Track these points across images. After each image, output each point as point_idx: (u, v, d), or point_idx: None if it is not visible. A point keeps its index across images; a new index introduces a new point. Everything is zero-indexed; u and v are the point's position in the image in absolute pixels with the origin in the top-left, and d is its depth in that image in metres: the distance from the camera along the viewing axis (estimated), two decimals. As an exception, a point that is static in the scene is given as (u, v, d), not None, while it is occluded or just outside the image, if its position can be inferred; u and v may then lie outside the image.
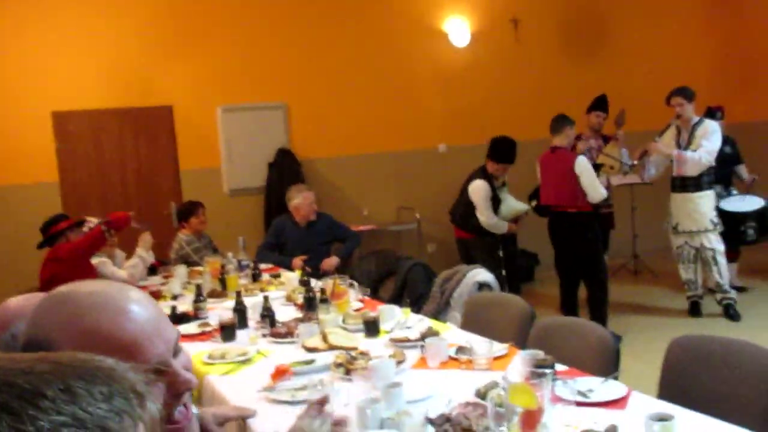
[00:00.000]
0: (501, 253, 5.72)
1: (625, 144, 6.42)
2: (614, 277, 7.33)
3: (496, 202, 5.62)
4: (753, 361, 2.31)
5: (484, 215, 5.50)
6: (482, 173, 5.61)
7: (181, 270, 4.86)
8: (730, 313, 5.80)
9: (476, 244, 5.69)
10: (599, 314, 5.44)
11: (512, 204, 5.87)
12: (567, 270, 5.60)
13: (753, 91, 8.62)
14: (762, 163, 6.71)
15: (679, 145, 5.80)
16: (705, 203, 5.78)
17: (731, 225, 5.99)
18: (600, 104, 6.61)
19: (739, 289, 6.52)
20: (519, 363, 2.48)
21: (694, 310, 5.98)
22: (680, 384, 2.48)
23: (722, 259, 5.82)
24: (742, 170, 6.59)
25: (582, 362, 2.59)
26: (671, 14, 8.68)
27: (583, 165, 5.37)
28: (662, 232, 6.55)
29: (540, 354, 2.42)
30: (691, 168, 5.67)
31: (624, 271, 7.57)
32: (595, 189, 5.35)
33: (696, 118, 5.79)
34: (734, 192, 6.49)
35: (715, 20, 8.95)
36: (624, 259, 7.63)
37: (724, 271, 5.83)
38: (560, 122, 5.56)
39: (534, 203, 6.29)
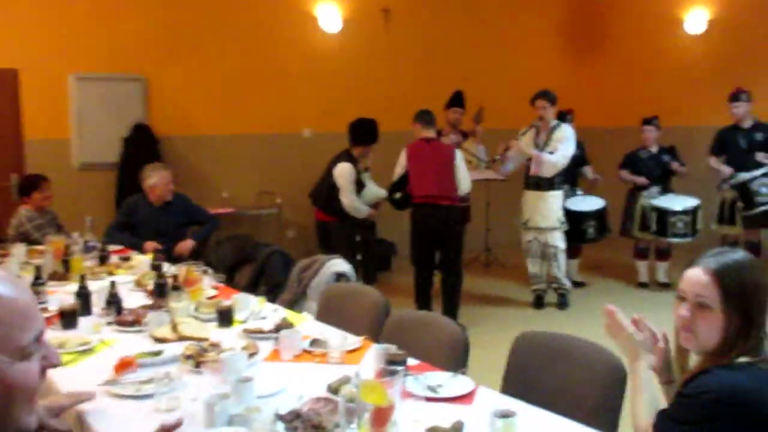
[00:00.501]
0: (358, 238, 5.77)
1: (482, 141, 6.65)
2: (466, 269, 7.57)
3: (359, 186, 5.64)
4: (587, 357, 2.46)
5: (348, 198, 5.48)
6: (347, 156, 5.61)
7: (19, 249, 4.52)
8: (562, 302, 6.28)
9: (336, 227, 5.68)
10: (454, 304, 5.62)
11: (373, 189, 5.92)
12: (427, 262, 5.68)
13: (602, 98, 9.20)
14: (604, 166, 7.15)
15: (536, 146, 6.09)
16: (554, 202, 6.12)
17: (574, 223, 6.36)
18: (457, 100, 6.80)
19: (579, 284, 6.98)
20: (372, 358, 2.51)
21: (538, 302, 6.33)
22: (523, 379, 2.59)
23: (562, 256, 6.22)
24: (588, 171, 7.02)
25: (433, 356, 2.66)
26: (534, 17, 9.08)
27: (460, 157, 5.55)
28: (513, 227, 6.86)
29: (393, 348, 2.44)
30: (547, 169, 5.98)
31: (476, 263, 7.87)
32: (467, 181, 5.58)
33: (554, 122, 6.11)
34: (579, 192, 6.89)
35: (575, 28, 9.45)
36: (476, 252, 7.92)
37: (563, 267, 6.24)
38: (431, 115, 5.67)
39: (398, 195, 6.34)
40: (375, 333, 3.01)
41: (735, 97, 6.46)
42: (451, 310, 5.58)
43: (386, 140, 6.42)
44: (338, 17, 7.54)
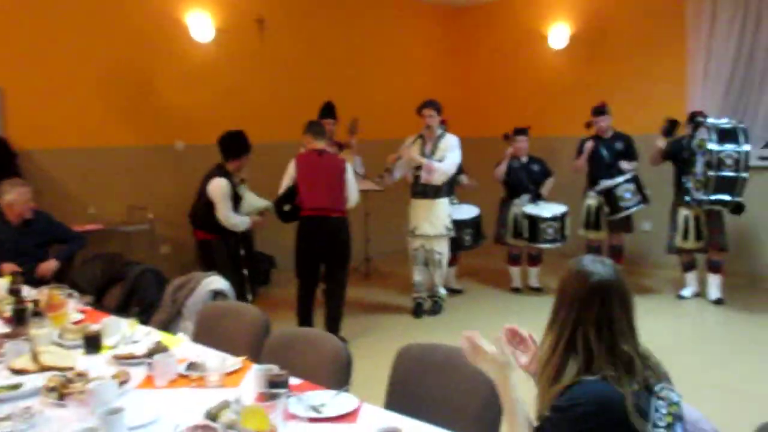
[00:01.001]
0: (243, 252, 5.63)
1: (359, 152, 6.66)
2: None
3: (237, 200, 5.49)
4: (468, 366, 2.48)
5: (223, 213, 5.31)
6: (220, 171, 5.44)
7: None
8: (435, 308, 6.42)
9: (218, 245, 5.52)
10: (337, 317, 5.56)
11: (253, 200, 5.80)
12: (312, 275, 5.60)
13: (473, 109, 9.49)
14: (476, 175, 7.35)
15: (424, 155, 6.17)
16: (442, 210, 6.23)
17: (453, 231, 6.49)
18: (329, 111, 6.77)
19: (457, 291, 7.13)
20: (253, 379, 2.42)
21: (418, 310, 6.40)
22: (407, 392, 2.59)
23: (446, 263, 6.34)
24: (464, 178, 7.19)
25: (316, 374, 2.61)
26: (407, 30, 9.24)
27: (350, 170, 5.51)
28: (392, 236, 6.91)
29: (274, 369, 2.37)
30: (438, 177, 6.08)
31: (356, 274, 7.87)
32: (356, 194, 5.56)
33: (440, 131, 6.22)
34: (454, 201, 7.04)
35: (446, 41, 9.70)
36: (356, 263, 7.92)
37: (444, 274, 6.39)
38: (322, 126, 5.61)
39: (287, 207, 6.20)
40: (255, 352, 2.92)
41: (599, 111, 6.83)
42: (334, 323, 5.54)
43: (261, 151, 6.33)
44: (210, 26, 7.34)
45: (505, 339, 2.11)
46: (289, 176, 5.52)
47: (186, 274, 4.20)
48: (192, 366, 2.59)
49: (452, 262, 7.02)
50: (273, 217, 5.90)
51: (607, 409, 1.72)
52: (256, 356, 2.86)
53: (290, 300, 5.74)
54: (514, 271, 7.22)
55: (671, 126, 6.48)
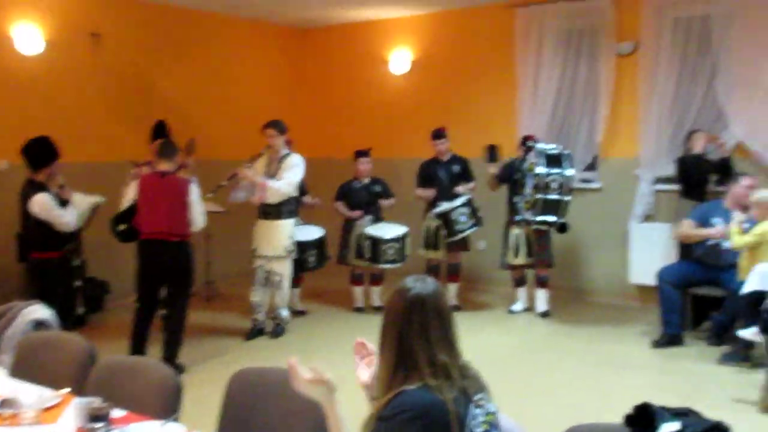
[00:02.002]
0: (79, 262, 5.39)
1: (197, 172, 6.47)
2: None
3: (64, 206, 5.25)
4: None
5: (61, 223, 5.11)
6: (33, 186, 5.17)
7: None
8: (277, 330, 6.37)
9: (60, 261, 5.27)
10: (176, 343, 5.37)
11: (80, 200, 5.58)
12: (152, 300, 5.40)
13: (317, 130, 9.57)
14: (320, 195, 7.41)
15: (267, 174, 6.12)
16: (283, 231, 6.20)
17: (296, 253, 6.49)
18: (160, 131, 6.53)
19: (301, 313, 7.13)
20: (72, 414, 2.30)
21: (252, 332, 6.33)
22: (239, 418, 2.56)
23: (287, 284, 6.31)
24: (308, 198, 7.21)
25: (144, 404, 2.52)
26: (251, 51, 9.18)
27: (195, 193, 5.34)
28: (236, 258, 6.79)
29: (96, 402, 2.27)
30: (271, 196, 6.04)
31: (197, 297, 7.65)
32: (202, 217, 5.40)
33: (285, 151, 6.21)
34: (300, 222, 7.05)
35: (290, 64, 9.73)
36: (197, 286, 7.73)
37: (285, 296, 6.34)
38: (172, 148, 5.42)
39: (123, 227, 5.95)
40: (80, 385, 2.77)
41: (438, 135, 7.12)
42: (172, 349, 5.33)
43: (93, 171, 6.06)
44: (40, 39, 6.92)
45: (355, 350, 2.17)
46: (128, 196, 5.35)
47: (4, 303, 3.91)
48: (5, 403, 2.42)
49: (296, 283, 7.02)
50: (106, 241, 5.65)
51: (429, 414, 1.82)
52: (80, 389, 2.72)
53: (124, 327, 5.49)
54: (357, 291, 7.32)
55: (491, 151, 6.86)
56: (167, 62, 8.13)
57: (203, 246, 7.62)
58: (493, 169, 6.90)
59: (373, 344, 2.18)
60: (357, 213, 7.07)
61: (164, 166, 5.30)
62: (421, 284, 1.98)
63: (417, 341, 1.91)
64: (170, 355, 5.25)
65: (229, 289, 7.87)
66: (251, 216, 6.42)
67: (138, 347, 5.31)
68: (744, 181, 5.85)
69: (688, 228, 5.98)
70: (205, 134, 7.74)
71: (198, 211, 5.37)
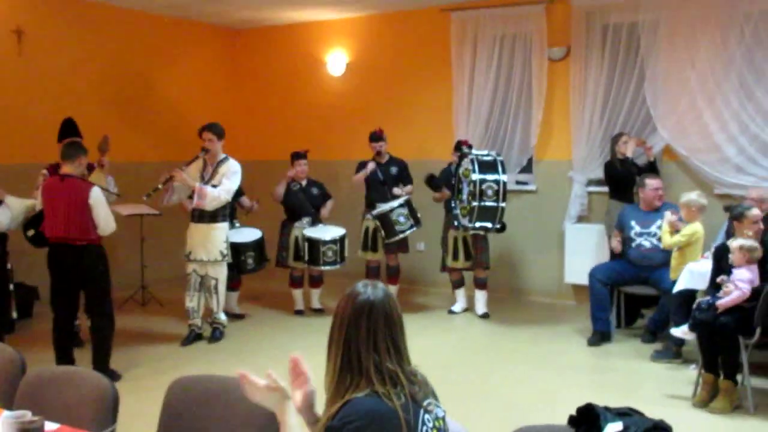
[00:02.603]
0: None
1: (111, 171, 6.29)
2: (121, 310, 7.18)
3: None
4: (244, 396, 2.44)
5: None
6: None
7: None
8: (215, 336, 6.24)
9: None
10: (105, 350, 5.21)
11: (18, 204, 5.43)
12: (67, 306, 5.22)
13: (255, 132, 9.46)
14: (259, 197, 7.32)
15: (203, 178, 6.00)
16: (218, 235, 6.08)
17: (233, 255, 6.39)
18: (70, 129, 6.21)
19: (239, 317, 7.02)
20: (1, 429, 2.19)
21: (194, 337, 6.20)
22: (180, 427, 2.49)
23: (222, 288, 6.20)
24: (245, 200, 7.12)
25: (78, 416, 2.43)
26: (189, 50, 8.99)
27: (97, 196, 5.13)
28: (172, 261, 6.63)
29: (27, 414, 2.16)
30: (210, 203, 5.91)
31: (131, 302, 7.47)
32: (108, 222, 5.17)
33: (222, 155, 6.09)
34: (237, 224, 6.96)
35: (230, 63, 9.58)
36: (132, 291, 7.53)
37: (222, 300, 6.22)
38: (75, 149, 5.21)
39: (31, 232, 5.79)
40: (8, 397, 2.65)
41: (377, 137, 7.11)
42: (102, 357, 5.17)
43: (20, 173, 5.83)
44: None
45: (290, 366, 2.10)
46: (38, 201, 5.27)
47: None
48: (-73, 418, 2.29)
49: (234, 286, 6.92)
50: (33, 247, 5.46)
51: (378, 423, 1.79)
52: (9, 401, 2.60)
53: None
54: (297, 294, 7.26)
55: (430, 180, 6.89)
56: (94, 61, 7.88)
57: (138, 249, 7.44)
58: (446, 192, 6.94)
59: (306, 363, 2.10)
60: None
61: (67, 168, 5.10)
62: (371, 290, 1.95)
63: (364, 347, 1.89)
64: (101, 363, 5.09)
65: (165, 293, 7.68)
66: (185, 219, 6.28)
67: (64, 356, 5.13)
68: (650, 184, 6.07)
69: (615, 239, 6.26)
70: (133, 136, 7.55)
71: (102, 214, 5.12)
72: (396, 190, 7.06)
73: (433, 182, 6.89)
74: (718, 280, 4.67)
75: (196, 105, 8.88)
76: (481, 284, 7.02)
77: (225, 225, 6.19)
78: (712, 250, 5.11)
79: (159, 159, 7.54)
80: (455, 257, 6.88)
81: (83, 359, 5.23)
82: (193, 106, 8.82)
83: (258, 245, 6.82)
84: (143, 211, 7.12)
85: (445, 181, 6.93)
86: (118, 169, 6.75)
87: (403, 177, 7.20)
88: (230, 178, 6.02)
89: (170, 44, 8.79)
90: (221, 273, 6.16)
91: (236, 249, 6.53)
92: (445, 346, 6.15)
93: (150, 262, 7.65)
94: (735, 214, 4.87)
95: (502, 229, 6.57)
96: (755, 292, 4.50)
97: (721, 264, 4.78)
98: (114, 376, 5.03)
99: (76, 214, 5.03)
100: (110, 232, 5.22)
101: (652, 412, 2.21)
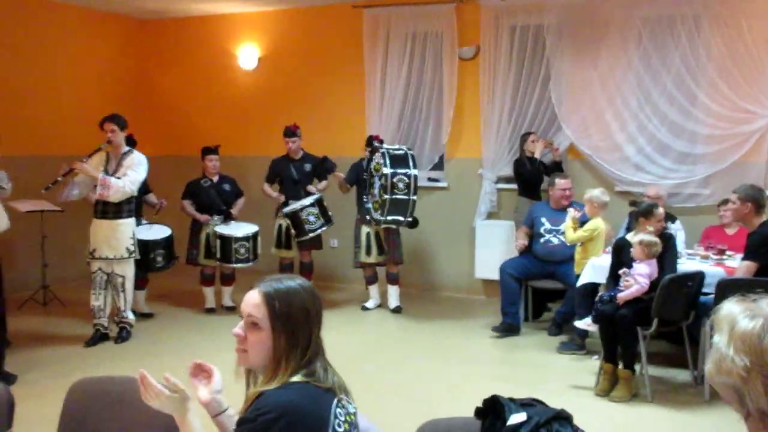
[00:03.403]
0: None
1: (4, 166, 6.03)
2: (21, 310, 6.89)
3: None
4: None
5: None
6: None
7: None
8: (122, 336, 6.05)
9: None
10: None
11: None
12: None
13: (163, 126, 9.22)
14: (168, 193, 7.15)
15: (106, 171, 5.80)
16: (124, 231, 5.89)
17: (142, 253, 6.21)
18: None
19: (147, 315, 6.84)
20: None
21: (100, 337, 5.99)
22: (81, 429, 2.41)
23: (130, 286, 6.02)
24: (152, 197, 6.94)
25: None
26: (90, 42, 8.66)
27: None
28: (75, 260, 6.36)
29: None
30: (114, 194, 5.72)
31: (32, 303, 7.15)
32: (2, 220, 4.95)
33: (126, 148, 5.91)
34: (144, 221, 6.77)
35: (134, 54, 9.28)
36: (32, 291, 7.21)
37: (129, 298, 6.04)
38: None
39: None
40: None
41: (290, 133, 7.06)
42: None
43: None
44: None
45: (190, 374, 2.09)
46: None
47: None
48: None
49: (142, 284, 6.73)
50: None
51: (291, 414, 1.78)
52: None
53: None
54: (208, 292, 7.13)
55: (324, 162, 6.89)
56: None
57: (38, 247, 7.13)
58: (339, 174, 6.96)
59: (210, 364, 2.09)
60: (204, 217, 6.88)
61: None
62: (304, 282, 1.99)
63: (302, 340, 1.89)
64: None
65: (68, 293, 7.39)
66: (89, 215, 6.05)
67: None
68: (559, 184, 6.30)
69: (523, 235, 6.47)
70: (32, 128, 7.21)
71: None
72: (310, 188, 7.04)
73: (326, 164, 6.88)
74: (620, 272, 4.88)
75: (101, 97, 8.56)
76: (393, 279, 7.08)
77: (131, 221, 6.00)
78: (612, 244, 5.34)
79: (60, 152, 7.22)
80: (368, 252, 6.92)
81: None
82: (97, 97, 8.50)
83: (167, 243, 6.68)
84: (44, 207, 6.83)
85: (355, 176, 6.96)
86: (15, 163, 6.45)
87: (319, 173, 7.18)
88: (135, 169, 5.85)
89: (73, 33, 8.44)
90: (128, 270, 5.98)
91: (145, 246, 6.36)
92: (357, 342, 6.17)
93: (52, 260, 7.34)
94: (643, 210, 5.06)
95: (414, 224, 6.66)
96: (653, 285, 4.73)
97: (621, 257, 5.00)
98: (9, 379, 4.79)
99: None
100: (3, 230, 5.00)
101: (557, 402, 2.28)
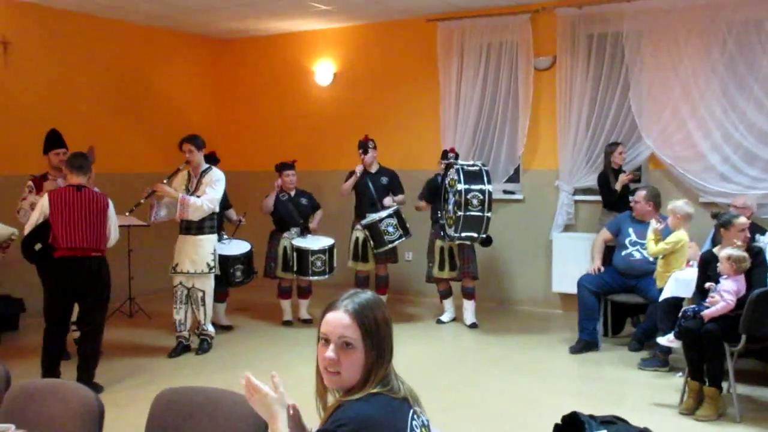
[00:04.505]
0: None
1: (98, 183, 6.27)
2: (108, 322, 7.13)
3: None
4: (229, 408, 2.44)
5: None
6: None
7: None
8: (203, 347, 6.19)
9: None
10: (93, 362, 5.18)
11: None
12: (65, 319, 5.21)
13: (243, 142, 9.46)
14: (247, 208, 7.32)
15: (188, 190, 5.99)
16: (205, 246, 6.06)
17: (221, 267, 6.37)
18: (56, 141, 6.11)
19: (227, 328, 7.00)
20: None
21: (182, 349, 6.16)
22: (164, 438, 2.48)
23: (209, 300, 6.18)
24: (232, 213, 7.11)
25: (64, 430, 2.41)
26: (177, 61, 8.98)
27: (112, 207, 5.21)
28: (159, 273, 6.57)
29: (10, 429, 2.16)
30: (193, 213, 5.91)
31: (119, 314, 7.43)
32: (117, 232, 5.30)
33: (205, 166, 6.10)
34: (225, 236, 6.94)
35: (218, 74, 9.58)
36: (119, 302, 7.49)
37: (209, 312, 6.20)
38: (85, 160, 5.23)
39: (38, 246, 5.60)
40: (-8, 411, 2.63)
41: (364, 146, 7.13)
42: (88, 369, 5.13)
43: (2, 184, 5.80)
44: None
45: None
46: (39, 213, 5.09)
47: None
48: None
49: (222, 298, 6.89)
50: (21, 258, 5.39)
51: (369, 426, 1.78)
52: (-8, 416, 2.58)
53: (39, 347, 5.24)
54: (285, 305, 7.24)
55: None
56: (81, 72, 7.86)
57: (125, 261, 7.41)
58: (422, 203, 7.03)
59: (259, 380, 2.05)
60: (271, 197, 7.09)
61: (79, 179, 5.13)
62: (374, 293, 2.02)
63: (387, 352, 1.92)
64: (86, 376, 5.05)
65: (153, 305, 7.65)
66: (174, 230, 6.26)
67: (52, 369, 5.09)
68: (638, 195, 6.11)
69: (601, 236, 6.38)
70: (121, 147, 7.51)
71: (114, 226, 5.27)
72: (386, 201, 7.08)
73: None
74: (706, 285, 4.70)
75: (184, 115, 8.87)
76: (469, 294, 7.02)
77: (212, 237, 6.17)
78: (698, 257, 5.14)
79: (148, 170, 7.52)
80: (441, 267, 6.89)
81: (65, 373, 5.18)
82: (180, 116, 8.81)
83: (247, 258, 6.81)
84: (131, 222, 7.10)
85: (430, 193, 6.96)
86: (107, 180, 6.73)
87: (394, 187, 7.22)
88: (213, 186, 6.03)
89: (158, 55, 8.79)
90: (208, 285, 6.14)
91: (225, 261, 6.51)
92: (432, 356, 6.15)
93: (137, 273, 7.62)
94: (722, 221, 4.89)
95: (488, 242, 6.59)
96: (740, 302, 4.54)
97: (708, 271, 4.82)
98: (98, 389, 4.99)
99: (98, 224, 5.10)
100: (115, 242, 5.30)
101: (639, 419, 2.23)
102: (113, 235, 5.26)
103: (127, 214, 5.99)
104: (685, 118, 6.76)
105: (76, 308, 5.35)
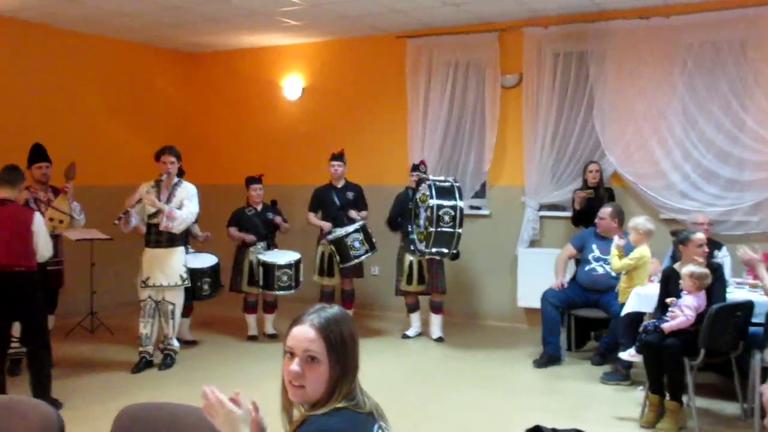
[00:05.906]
0: None
1: (74, 197, 6.21)
2: (68, 337, 7.02)
3: None
4: (193, 425, 2.42)
5: None
6: None
7: None
8: (166, 363, 6.12)
9: None
10: (45, 378, 5.05)
11: None
12: (2, 336, 5.04)
13: (210, 156, 9.40)
14: (213, 222, 7.27)
15: (159, 201, 5.93)
16: (177, 259, 6.02)
17: (189, 281, 6.29)
18: (40, 155, 6.13)
19: (191, 343, 6.92)
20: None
21: (139, 365, 6.06)
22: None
23: (179, 313, 6.13)
24: (196, 228, 7.04)
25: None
26: (145, 72, 8.92)
27: (39, 222, 5.05)
28: (123, 287, 6.47)
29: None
30: (178, 225, 5.88)
31: (80, 329, 7.30)
32: (47, 247, 5.09)
33: (176, 179, 6.06)
34: (190, 249, 6.87)
35: (182, 87, 9.53)
36: (80, 317, 7.36)
37: (177, 326, 6.16)
38: (16, 174, 5.11)
39: None
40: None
41: (338, 157, 7.16)
42: (43, 385, 4.97)
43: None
44: None
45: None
46: None
47: None
48: None
49: (186, 312, 6.82)
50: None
51: None
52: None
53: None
54: (251, 319, 7.19)
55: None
56: (45, 84, 7.76)
57: (88, 274, 7.29)
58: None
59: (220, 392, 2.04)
60: (251, 237, 6.97)
61: (6, 193, 4.98)
62: (340, 308, 2.01)
63: (353, 367, 1.91)
64: (43, 391, 4.92)
65: (116, 319, 7.53)
66: (137, 243, 6.19)
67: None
68: (603, 212, 6.20)
69: (566, 252, 6.47)
70: (89, 159, 7.43)
71: (43, 240, 5.06)
72: (352, 213, 7.09)
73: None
74: (668, 301, 4.79)
75: (152, 129, 8.79)
76: (436, 308, 7.05)
77: (183, 249, 6.14)
78: (660, 273, 5.24)
79: (118, 182, 7.43)
80: (409, 281, 6.91)
81: (15, 388, 5.06)
82: (150, 129, 8.73)
83: (214, 271, 6.76)
84: (93, 235, 6.99)
85: (400, 209, 6.99)
86: (78, 192, 6.63)
87: (359, 202, 7.24)
88: (192, 200, 6.02)
89: (127, 68, 8.71)
90: (179, 298, 6.09)
91: (192, 274, 6.43)
92: (398, 370, 6.15)
93: (99, 288, 7.50)
94: (680, 238, 4.99)
95: (456, 256, 6.64)
96: (700, 317, 4.63)
97: (669, 287, 4.91)
98: (56, 405, 4.88)
99: (21, 239, 4.93)
100: (47, 258, 5.16)
101: (599, 433, 2.26)
102: (42, 249, 5.07)
103: (115, 222, 5.87)
104: (646, 136, 6.91)
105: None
